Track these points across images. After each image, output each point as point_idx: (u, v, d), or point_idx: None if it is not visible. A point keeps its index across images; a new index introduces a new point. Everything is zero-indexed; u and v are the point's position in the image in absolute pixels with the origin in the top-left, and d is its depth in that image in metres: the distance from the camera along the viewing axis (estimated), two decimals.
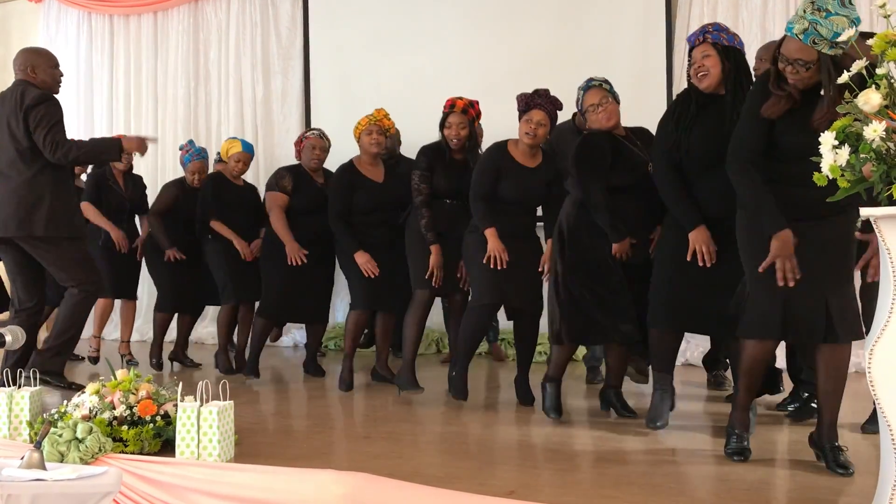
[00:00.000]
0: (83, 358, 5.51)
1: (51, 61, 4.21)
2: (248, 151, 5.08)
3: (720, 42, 3.19)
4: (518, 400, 4.02)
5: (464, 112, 4.20)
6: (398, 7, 6.34)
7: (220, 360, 5.03)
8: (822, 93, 2.67)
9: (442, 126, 4.24)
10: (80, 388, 3.90)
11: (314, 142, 4.81)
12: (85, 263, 4.22)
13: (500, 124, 4.54)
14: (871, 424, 3.17)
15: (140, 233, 5.44)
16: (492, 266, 3.84)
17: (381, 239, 4.48)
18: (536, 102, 3.87)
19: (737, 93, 3.15)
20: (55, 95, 4.14)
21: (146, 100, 7.24)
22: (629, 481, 2.67)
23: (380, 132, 4.50)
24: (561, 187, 3.93)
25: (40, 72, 4.14)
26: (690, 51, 3.33)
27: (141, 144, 4.34)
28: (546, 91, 3.93)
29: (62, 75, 4.29)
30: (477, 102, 4.31)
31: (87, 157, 4.43)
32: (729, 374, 4.24)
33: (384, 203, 4.48)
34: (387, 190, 4.51)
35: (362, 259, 4.36)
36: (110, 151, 4.30)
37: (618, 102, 3.66)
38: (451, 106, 4.23)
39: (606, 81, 3.69)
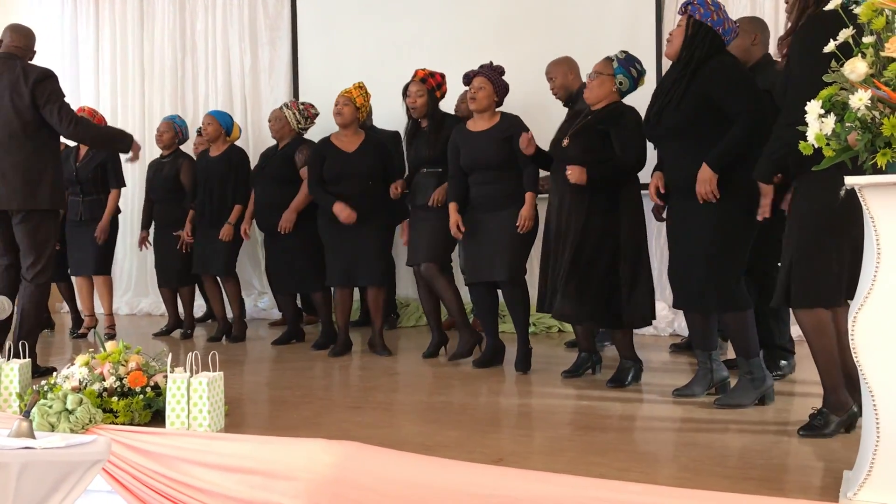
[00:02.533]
0: (84, 334, 5.52)
1: (34, 38, 4.28)
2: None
3: (694, 15, 3.24)
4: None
5: (422, 81, 4.36)
6: None
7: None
8: None
9: (404, 95, 4.43)
10: (49, 371, 3.93)
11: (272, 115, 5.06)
12: (52, 247, 4.16)
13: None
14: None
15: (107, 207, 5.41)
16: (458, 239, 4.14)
17: (371, 209, 4.48)
18: (475, 72, 4.07)
19: (685, 66, 3.21)
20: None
21: (132, 72, 7.16)
22: (616, 448, 2.70)
23: (345, 103, 4.56)
24: (524, 155, 3.94)
25: (29, 53, 4.20)
26: None
27: (137, 148, 4.46)
28: (487, 64, 4.11)
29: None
30: (440, 74, 4.43)
31: (102, 140, 4.44)
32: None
33: (348, 172, 4.51)
34: (352, 160, 4.54)
35: (338, 208, 4.41)
36: (123, 141, 4.35)
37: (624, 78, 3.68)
38: (413, 75, 4.40)
39: (624, 54, 3.71)
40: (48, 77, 4.05)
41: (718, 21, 3.24)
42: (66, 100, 4.11)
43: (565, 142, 3.68)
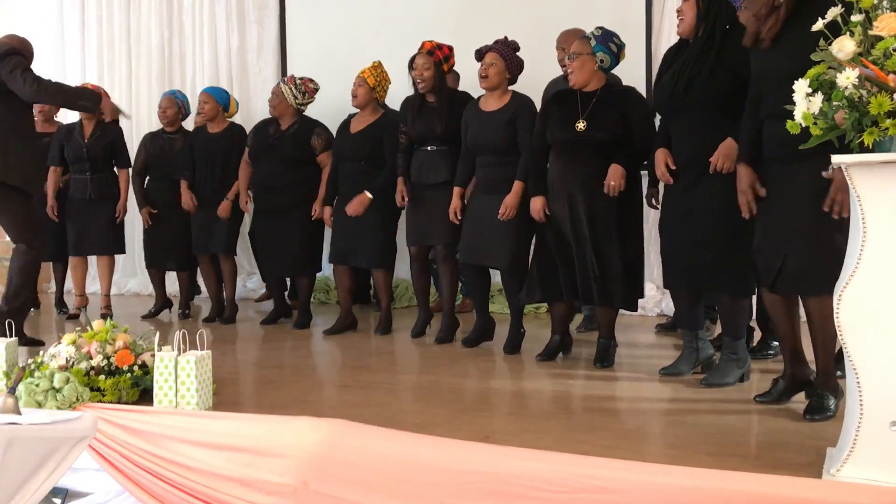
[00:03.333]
0: (76, 314, 5.45)
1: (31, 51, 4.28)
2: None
3: None
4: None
5: (429, 53, 4.24)
6: None
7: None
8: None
9: (410, 68, 4.31)
10: (39, 343, 3.98)
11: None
12: (37, 221, 4.18)
13: (470, 78, 4.50)
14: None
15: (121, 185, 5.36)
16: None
17: (352, 190, 4.49)
18: (488, 47, 3.96)
19: (709, 38, 3.16)
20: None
21: (119, 52, 7.07)
22: (602, 426, 2.72)
23: (359, 84, 4.55)
24: (527, 132, 3.89)
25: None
26: None
27: (113, 111, 4.43)
28: (502, 38, 4.00)
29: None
30: (448, 47, 4.31)
31: (64, 98, 4.30)
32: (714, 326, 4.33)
33: (349, 152, 4.54)
34: (355, 140, 4.54)
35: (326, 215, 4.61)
36: (89, 99, 4.30)
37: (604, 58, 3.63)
38: (420, 47, 4.29)
39: (601, 30, 3.65)
40: (13, 53, 4.03)
41: None
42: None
43: (581, 125, 3.58)
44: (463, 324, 4.49)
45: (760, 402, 2.95)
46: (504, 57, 3.95)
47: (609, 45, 3.61)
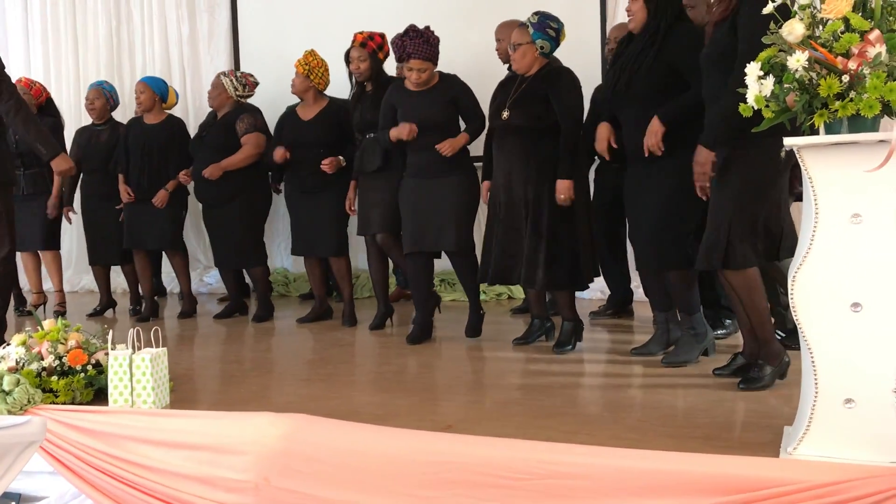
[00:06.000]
0: (30, 311, 5.32)
1: None
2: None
3: None
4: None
5: (362, 45, 4.27)
6: None
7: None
8: None
9: (346, 62, 4.35)
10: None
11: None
12: (8, 220, 3.83)
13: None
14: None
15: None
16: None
17: (305, 181, 4.49)
18: (408, 51, 3.85)
19: (653, 34, 3.25)
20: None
21: (65, 41, 6.88)
22: (563, 411, 2.73)
23: (295, 74, 4.58)
24: (472, 111, 3.93)
25: None
26: None
27: (68, 171, 4.07)
28: (414, 32, 3.87)
29: None
30: (380, 35, 4.33)
31: (30, 132, 3.82)
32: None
33: (300, 141, 4.53)
34: (304, 128, 4.55)
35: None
36: (47, 149, 3.89)
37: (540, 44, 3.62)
38: (352, 40, 4.31)
39: (537, 16, 3.64)
40: None
41: None
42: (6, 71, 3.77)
43: (505, 114, 3.63)
44: (400, 313, 4.50)
45: (718, 376, 3.07)
46: (428, 59, 3.87)
47: (546, 30, 3.61)
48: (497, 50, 4.50)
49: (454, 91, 3.95)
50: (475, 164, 4.03)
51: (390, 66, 4.55)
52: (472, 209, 3.99)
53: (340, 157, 4.47)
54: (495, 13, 4.82)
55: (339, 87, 4.79)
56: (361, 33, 4.32)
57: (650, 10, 3.26)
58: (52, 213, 5.20)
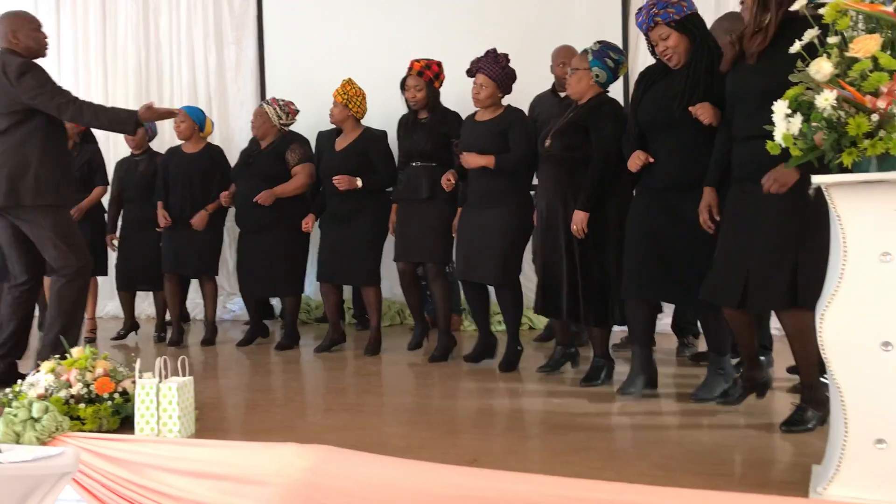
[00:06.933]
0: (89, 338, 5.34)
1: (33, 23, 3.88)
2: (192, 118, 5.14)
3: (671, 18, 3.18)
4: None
5: (419, 74, 4.29)
6: None
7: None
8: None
9: (402, 89, 4.36)
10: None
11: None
12: (69, 239, 3.82)
13: (448, 92, 4.51)
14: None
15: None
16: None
17: (338, 209, 4.51)
18: (478, 66, 3.98)
19: (695, 59, 3.17)
20: (37, 59, 3.84)
21: (95, 72, 7.01)
22: (588, 447, 2.71)
23: (333, 104, 4.59)
24: (521, 145, 3.90)
25: (23, 36, 3.82)
26: (645, 34, 3.32)
27: (160, 115, 3.97)
28: (489, 51, 4.00)
29: (47, 37, 3.95)
30: (437, 63, 4.35)
31: (101, 121, 3.85)
32: (696, 340, 4.35)
33: (336, 170, 4.53)
34: (341, 158, 4.56)
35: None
36: (125, 123, 3.89)
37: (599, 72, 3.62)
38: (409, 68, 4.32)
39: (599, 44, 3.64)
40: (27, 71, 3.69)
41: (690, 5, 3.23)
42: (53, 81, 3.77)
43: (547, 142, 3.66)
44: (463, 343, 4.49)
45: (721, 404, 3.14)
46: (493, 78, 3.95)
47: (605, 59, 3.60)
48: (558, 74, 4.56)
49: (507, 122, 3.96)
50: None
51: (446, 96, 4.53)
52: (519, 242, 3.97)
53: (358, 179, 4.45)
54: (517, 40, 4.87)
55: (368, 117, 4.84)
56: (419, 61, 4.31)
57: (690, 38, 3.18)
58: (77, 215, 5.09)
